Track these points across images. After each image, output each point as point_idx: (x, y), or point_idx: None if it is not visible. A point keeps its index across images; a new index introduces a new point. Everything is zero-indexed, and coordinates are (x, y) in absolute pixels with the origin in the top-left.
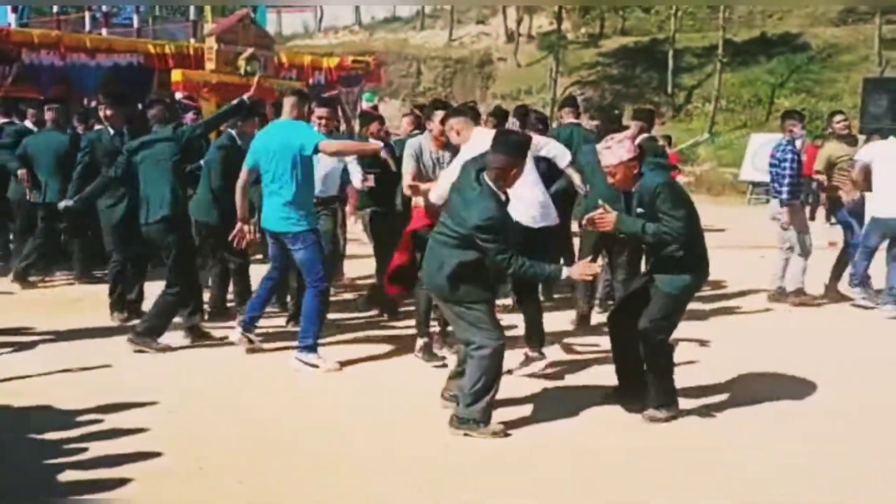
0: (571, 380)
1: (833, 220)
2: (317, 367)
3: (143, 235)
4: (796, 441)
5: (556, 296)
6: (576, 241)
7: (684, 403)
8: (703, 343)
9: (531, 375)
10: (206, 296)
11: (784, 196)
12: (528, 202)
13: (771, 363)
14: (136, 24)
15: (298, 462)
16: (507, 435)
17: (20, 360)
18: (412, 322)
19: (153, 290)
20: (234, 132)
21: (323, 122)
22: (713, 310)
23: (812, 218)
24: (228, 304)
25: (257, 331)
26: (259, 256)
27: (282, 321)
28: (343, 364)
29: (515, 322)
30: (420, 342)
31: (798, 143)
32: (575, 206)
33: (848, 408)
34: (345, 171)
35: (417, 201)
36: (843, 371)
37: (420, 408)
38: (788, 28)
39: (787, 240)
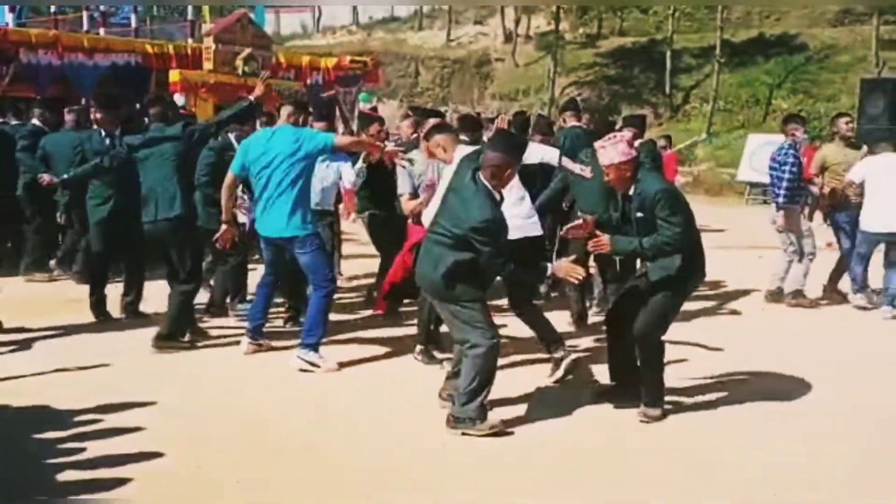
0: (569, 379)
1: (828, 222)
2: (318, 366)
3: (143, 234)
4: (795, 441)
5: (553, 294)
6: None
7: (684, 403)
8: (701, 343)
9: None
10: (207, 296)
11: (781, 200)
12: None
13: (770, 363)
14: (133, 24)
15: (297, 462)
16: (505, 431)
17: (19, 360)
18: (412, 322)
19: (154, 291)
20: (232, 136)
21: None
22: (712, 310)
23: (810, 219)
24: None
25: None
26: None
27: (280, 321)
28: (342, 364)
29: (511, 322)
30: (419, 346)
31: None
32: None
33: (847, 408)
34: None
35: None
36: (842, 371)
37: (419, 408)
38: (786, 29)
39: (791, 242)
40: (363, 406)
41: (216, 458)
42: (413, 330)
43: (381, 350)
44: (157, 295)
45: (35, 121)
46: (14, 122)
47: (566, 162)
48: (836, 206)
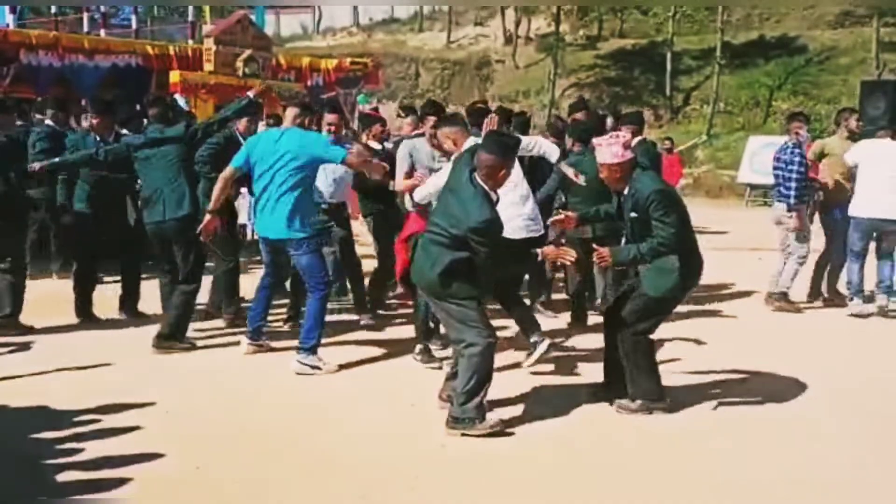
0: (568, 379)
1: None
2: (319, 369)
3: (138, 235)
4: (794, 441)
5: (553, 297)
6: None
7: (683, 403)
8: (701, 344)
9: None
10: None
11: (792, 200)
12: (516, 216)
13: (769, 364)
14: (134, 25)
15: (296, 462)
16: (504, 430)
17: (17, 360)
18: (410, 323)
19: (154, 291)
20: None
21: (332, 128)
22: (711, 311)
23: (811, 220)
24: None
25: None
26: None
27: (279, 322)
28: (341, 365)
29: (511, 323)
30: (419, 346)
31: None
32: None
33: (847, 408)
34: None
35: (406, 200)
36: (842, 371)
37: (418, 408)
38: (786, 31)
39: (789, 243)
40: (363, 406)
41: (216, 459)
42: (412, 330)
43: (381, 350)
44: (156, 295)
45: (48, 121)
46: (19, 123)
47: (563, 165)
48: (833, 202)
